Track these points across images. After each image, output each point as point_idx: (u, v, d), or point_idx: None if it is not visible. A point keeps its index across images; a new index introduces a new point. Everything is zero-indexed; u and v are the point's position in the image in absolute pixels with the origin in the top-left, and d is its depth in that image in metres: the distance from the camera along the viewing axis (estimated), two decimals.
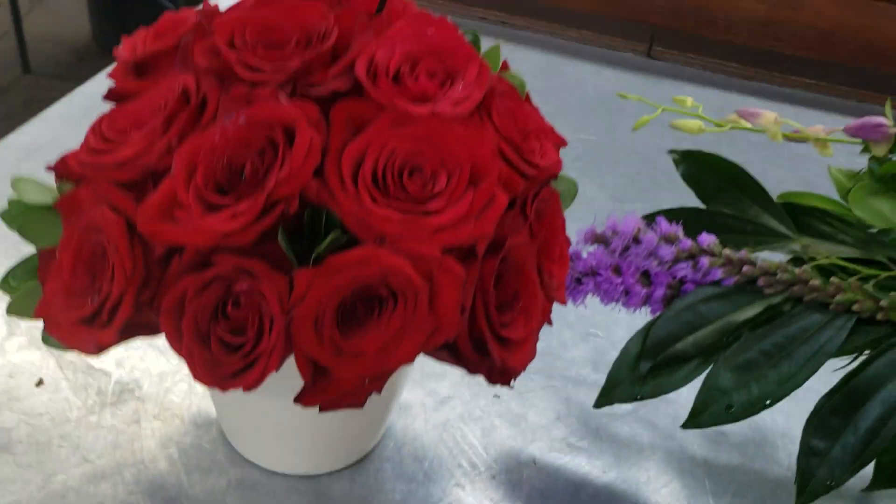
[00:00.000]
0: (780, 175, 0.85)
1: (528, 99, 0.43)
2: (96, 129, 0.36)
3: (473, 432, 0.54)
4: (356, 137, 0.34)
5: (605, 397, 0.49)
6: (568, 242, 0.44)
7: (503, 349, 0.36)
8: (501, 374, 0.37)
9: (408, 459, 0.51)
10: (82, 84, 0.85)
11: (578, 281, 0.50)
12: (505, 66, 0.44)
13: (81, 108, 0.80)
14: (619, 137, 0.89)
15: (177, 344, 0.33)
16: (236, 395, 0.34)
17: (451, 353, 0.36)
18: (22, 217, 0.37)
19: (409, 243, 0.33)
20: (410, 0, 0.43)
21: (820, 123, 0.97)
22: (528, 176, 0.38)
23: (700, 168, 0.55)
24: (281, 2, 0.37)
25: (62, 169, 0.36)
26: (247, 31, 0.36)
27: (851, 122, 0.51)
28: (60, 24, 3.17)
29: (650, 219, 0.51)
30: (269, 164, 0.33)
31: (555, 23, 1.09)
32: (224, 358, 0.33)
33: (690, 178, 0.56)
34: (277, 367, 0.33)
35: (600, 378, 0.57)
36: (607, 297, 0.50)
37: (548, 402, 0.57)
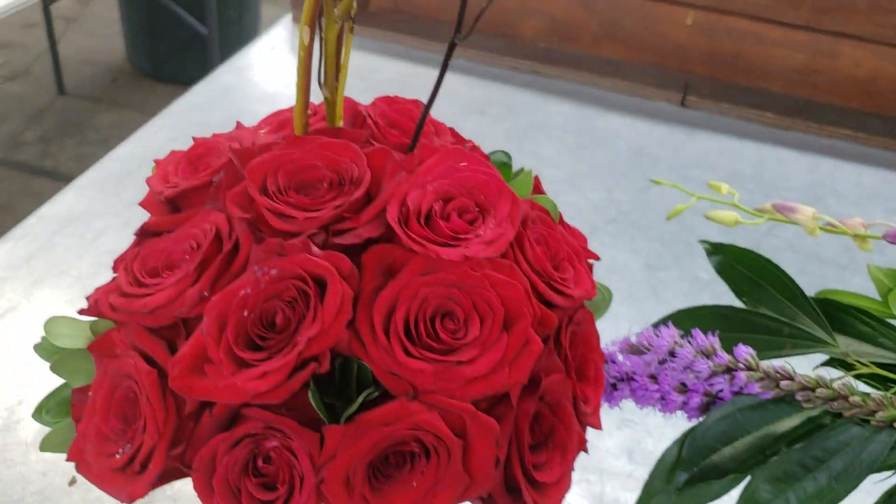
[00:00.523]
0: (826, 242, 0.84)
1: (561, 220, 0.42)
2: (128, 268, 0.36)
3: None
4: (388, 286, 0.34)
5: None
6: (602, 358, 0.44)
7: (538, 494, 0.36)
8: None
9: None
10: (113, 149, 0.86)
11: (614, 386, 0.49)
12: (538, 186, 0.43)
13: (113, 175, 0.81)
14: (653, 197, 0.88)
15: (207, 500, 0.33)
16: None
17: (483, 502, 0.35)
18: (55, 355, 0.37)
19: (441, 397, 0.33)
20: (441, 123, 0.43)
21: (858, 176, 0.95)
22: (562, 307, 0.38)
23: (733, 262, 0.54)
24: (312, 141, 0.37)
25: (95, 312, 0.36)
26: (279, 174, 0.36)
27: (889, 230, 0.50)
28: (94, 45, 3.21)
29: (684, 322, 0.51)
30: (301, 316, 0.33)
31: (587, 71, 1.08)
32: None
33: (723, 272, 0.55)
34: None
35: (635, 469, 0.57)
36: (643, 402, 0.49)
37: (581, 499, 0.56)
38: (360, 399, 0.32)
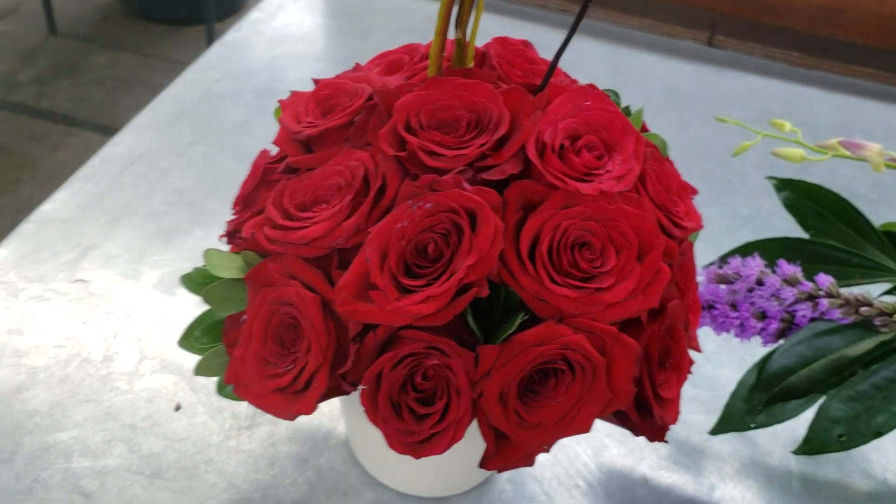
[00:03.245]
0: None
1: (667, 158, 0.45)
2: (277, 203, 0.39)
3: (586, 452, 0.57)
4: (530, 218, 0.36)
5: (723, 426, 0.52)
6: (696, 286, 0.47)
7: (662, 409, 0.39)
8: (660, 431, 0.39)
9: (528, 480, 0.54)
10: (163, 90, 0.87)
11: None
12: (644, 127, 0.46)
13: (168, 115, 0.82)
14: (689, 135, 0.90)
15: (373, 414, 0.36)
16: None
17: (617, 417, 0.38)
18: (206, 285, 0.40)
19: (586, 320, 0.36)
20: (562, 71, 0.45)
21: (885, 116, 0.98)
22: (678, 238, 0.41)
23: (801, 197, 0.57)
24: (450, 83, 0.39)
25: (252, 245, 0.38)
26: (421, 114, 0.38)
27: None
28: None
29: (760, 252, 0.54)
30: (455, 246, 0.36)
31: (615, 10, 1.09)
32: (415, 427, 0.36)
33: (791, 207, 0.58)
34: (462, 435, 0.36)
35: (698, 393, 0.60)
36: (721, 329, 0.52)
37: None
38: (517, 321, 0.35)
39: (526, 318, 0.36)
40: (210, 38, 2.58)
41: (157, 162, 0.76)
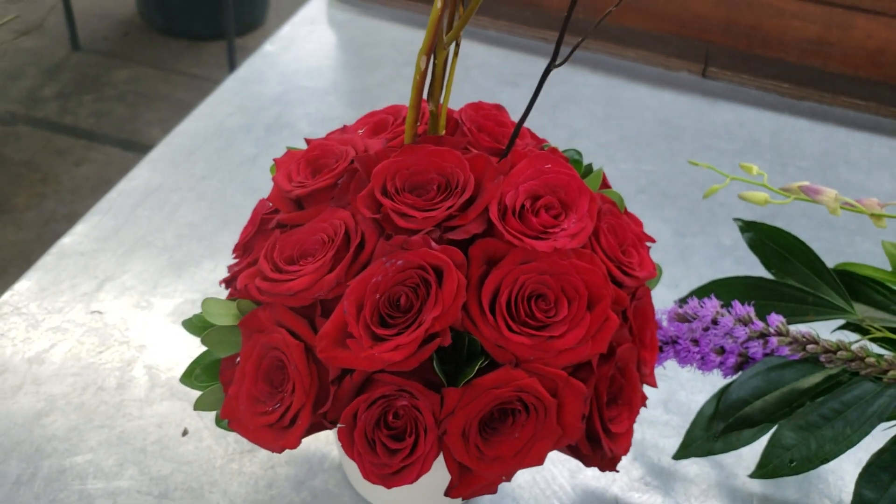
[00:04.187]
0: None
1: (625, 212, 0.49)
2: (268, 256, 0.43)
3: (562, 473, 0.61)
4: (491, 273, 0.41)
5: (684, 451, 0.56)
6: (657, 326, 0.51)
7: (612, 442, 0.43)
8: (610, 462, 0.44)
9: (507, 500, 0.59)
10: (178, 123, 0.92)
11: (660, 349, 0.56)
12: (605, 182, 0.50)
13: (183, 149, 0.87)
14: (678, 167, 0.95)
15: (349, 449, 0.41)
16: None
17: (570, 449, 0.43)
18: (205, 329, 0.44)
19: (539, 365, 0.40)
20: (524, 127, 0.49)
21: (869, 146, 1.02)
22: (630, 287, 0.45)
23: (763, 238, 0.61)
24: (422, 150, 0.43)
25: (244, 294, 0.43)
26: (396, 178, 0.43)
27: None
28: None
29: (720, 291, 0.58)
30: (423, 299, 0.40)
31: (612, 42, 1.14)
32: (387, 460, 0.41)
33: (755, 247, 0.62)
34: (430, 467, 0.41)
35: (671, 418, 0.64)
36: (684, 362, 0.57)
37: None
38: (477, 366, 0.40)
39: (486, 363, 0.41)
40: (231, 54, 2.65)
41: (170, 196, 0.81)
